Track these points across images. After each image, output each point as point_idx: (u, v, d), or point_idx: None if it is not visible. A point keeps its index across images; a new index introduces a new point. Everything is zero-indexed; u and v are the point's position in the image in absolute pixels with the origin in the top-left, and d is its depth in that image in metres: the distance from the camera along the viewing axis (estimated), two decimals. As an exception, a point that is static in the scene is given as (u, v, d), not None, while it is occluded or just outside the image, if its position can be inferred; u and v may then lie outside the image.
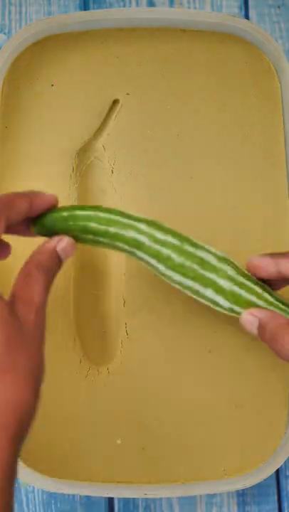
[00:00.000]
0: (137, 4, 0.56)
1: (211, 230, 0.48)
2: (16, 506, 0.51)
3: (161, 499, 0.51)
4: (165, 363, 0.46)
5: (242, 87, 0.49)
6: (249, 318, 0.40)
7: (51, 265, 0.38)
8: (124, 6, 0.56)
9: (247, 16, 0.56)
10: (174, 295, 0.47)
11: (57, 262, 0.38)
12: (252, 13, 0.56)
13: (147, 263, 0.42)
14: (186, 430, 0.46)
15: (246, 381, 0.46)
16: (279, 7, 0.56)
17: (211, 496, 0.51)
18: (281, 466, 0.51)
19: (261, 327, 0.39)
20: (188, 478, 0.46)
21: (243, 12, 0.56)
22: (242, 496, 0.51)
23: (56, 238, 0.39)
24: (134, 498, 0.51)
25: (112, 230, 0.41)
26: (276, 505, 0.51)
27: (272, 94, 0.49)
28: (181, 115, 0.49)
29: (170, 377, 0.46)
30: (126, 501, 0.51)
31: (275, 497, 0.51)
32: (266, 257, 0.40)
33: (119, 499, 0.51)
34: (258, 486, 0.51)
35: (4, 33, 0.56)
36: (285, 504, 0.51)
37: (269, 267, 0.40)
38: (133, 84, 0.49)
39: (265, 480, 0.48)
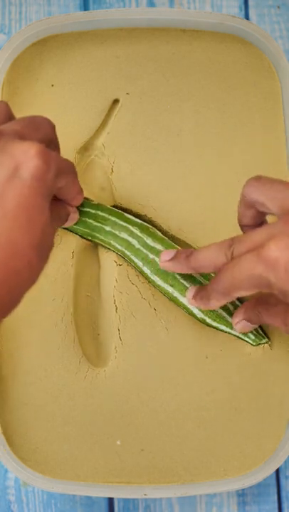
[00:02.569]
0: (137, 4, 0.56)
1: (212, 228, 0.48)
2: (16, 506, 0.51)
3: (161, 499, 0.51)
4: (161, 367, 0.46)
5: (242, 87, 0.49)
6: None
7: (64, 219, 0.44)
8: (124, 6, 0.56)
9: (247, 16, 0.56)
10: (167, 303, 0.47)
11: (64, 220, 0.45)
12: (252, 13, 0.56)
13: (135, 264, 0.46)
14: (186, 431, 0.46)
15: (245, 384, 0.46)
16: (279, 7, 0.56)
17: (211, 496, 0.51)
18: (281, 466, 0.51)
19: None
20: (188, 478, 0.46)
21: (243, 12, 0.56)
22: (242, 495, 0.51)
23: (75, 209, 0.45)
24: (134, 498, 0.51)
25: (107, 228, 0.46)
26: (276, 505, 0.51)
27: (272, 94, 0.49)
28: (181, 115, 0.49)
29: (167, 381, 0.46)
30: (126, 501, 0.51)
31: (275, 497, 0.51)
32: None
33: (119, 499, 0.51)
34: (258, 486, 0.51)
35: (4, 33, 0.56)
36: (285, 504, 0.51)
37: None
38: (133, 84, 0.49)
39: (265, 480, 0.48)
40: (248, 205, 0.40)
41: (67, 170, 0.40)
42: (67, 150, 0.48)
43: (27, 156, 0.35)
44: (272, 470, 0.45)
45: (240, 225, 0.42)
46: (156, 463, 0.46)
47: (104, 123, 0.49)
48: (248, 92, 0.49)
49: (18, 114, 0.48)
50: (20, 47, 0.48)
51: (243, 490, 0.51)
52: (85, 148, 0.49)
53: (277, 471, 0.52)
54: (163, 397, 0.46)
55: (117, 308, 0.47)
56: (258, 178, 0.39)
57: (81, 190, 0.44)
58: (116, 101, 0.49)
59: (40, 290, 0.46)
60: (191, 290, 0.44)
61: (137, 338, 0.46)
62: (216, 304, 0.41)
